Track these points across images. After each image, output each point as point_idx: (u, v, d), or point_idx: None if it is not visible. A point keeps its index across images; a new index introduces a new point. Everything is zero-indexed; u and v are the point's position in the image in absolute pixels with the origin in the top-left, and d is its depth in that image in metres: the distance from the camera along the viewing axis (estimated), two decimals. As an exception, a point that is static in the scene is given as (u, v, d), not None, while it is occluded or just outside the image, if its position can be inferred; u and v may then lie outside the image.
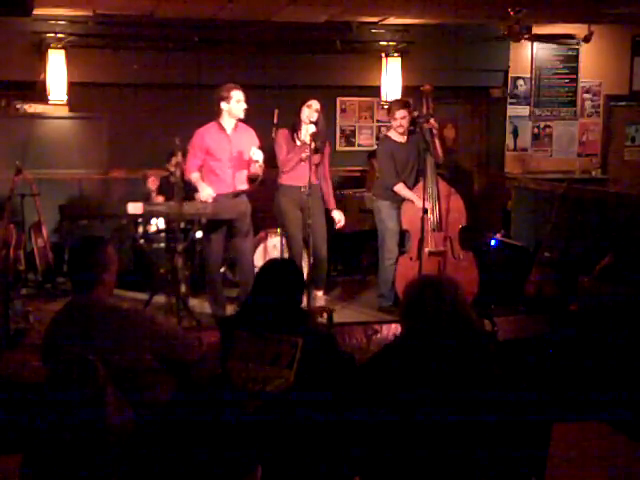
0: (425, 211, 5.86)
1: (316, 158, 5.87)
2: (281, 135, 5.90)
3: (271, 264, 3.54)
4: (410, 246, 6.04)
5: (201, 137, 5.73)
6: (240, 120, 5.76)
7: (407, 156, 6.13)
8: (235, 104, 5.67)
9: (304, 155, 5.70)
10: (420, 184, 6.00)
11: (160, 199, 6.53)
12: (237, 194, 5.81)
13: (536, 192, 7.51)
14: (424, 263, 5.83)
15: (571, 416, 4.15)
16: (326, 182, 6.08)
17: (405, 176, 6.12)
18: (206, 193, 5.61)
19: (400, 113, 6.09)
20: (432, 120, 6.03)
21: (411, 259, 5.96)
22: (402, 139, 6.15)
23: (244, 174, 5.85)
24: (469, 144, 8.87)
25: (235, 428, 3.02)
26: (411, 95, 6.41)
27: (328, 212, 6.10)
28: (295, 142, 5.88)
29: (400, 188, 6.04)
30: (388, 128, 6.36)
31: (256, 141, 5.80)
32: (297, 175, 5.80)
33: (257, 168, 5.70)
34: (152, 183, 6.64)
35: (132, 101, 7.69)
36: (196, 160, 5.73)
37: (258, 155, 5.63)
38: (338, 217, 6.09)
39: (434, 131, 6.03)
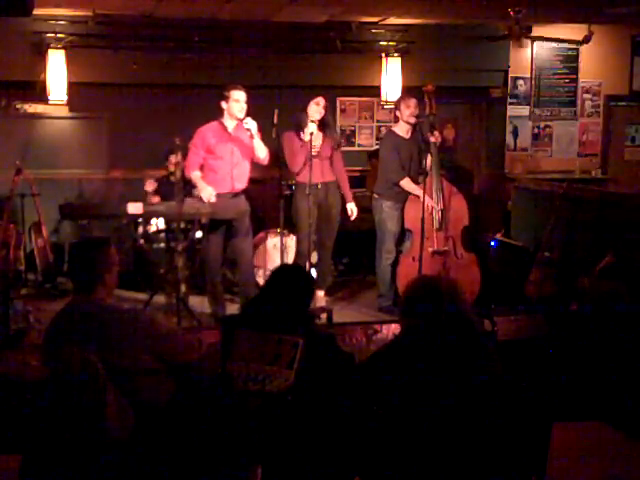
0: (437, 210, 5.92)
1: (326, 152, 5.91)
2: (286, 138, 5.97)
3: (283, 270, 3.55)
4: (412, 246, 6.03)
5: (203, 135, 5.75)
6: (241, 120, 5.76)
7: (410, 152, 6.13)
8: (233, 104, 5.67)
9: (314, 152, 5.74)
10: (422, 184, 5.99)
11: (156, 200, 6.53)
12: (236, 194, 5.81)
13: (536, 192, 7.50)
14: (427, 263, 5.82)
15: (571, 416, 4.15)
16: (342, 176, 6.18)
17: (406, 171, 6.11)
18: (207, 193, 5.62)
19: (412, 101, 6.06)
20: (436, 133, 6.03)
21: (413, 259, 5.93)
22: (406, 135, 6.14)
23: (245, 174, 5.86)
24: (469, 144, 8.86)
25: (235, 428, 3.02)
26: (414, 95, 6.39)
27: (343, 204, 6.23)
28: (301, 141, 5.89)
29: (406, 183, 6.04)
30: (394, 124, 6.33)
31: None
32: (312, 173, 5.81)
33: (260, 153, 5.71)
34: (149, 185, 6.63)
35: (132, 101, 7.68)
36: (197, 158, 5.74)
37: (251, 124, 5.64)
38: (350, 209, 6.20)
39: (438, 144, 6.04)
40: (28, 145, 7.48)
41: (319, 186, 5.92)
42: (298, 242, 6.13)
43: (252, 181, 6.08)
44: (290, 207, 6.13)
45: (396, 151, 6.08)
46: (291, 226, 6.24)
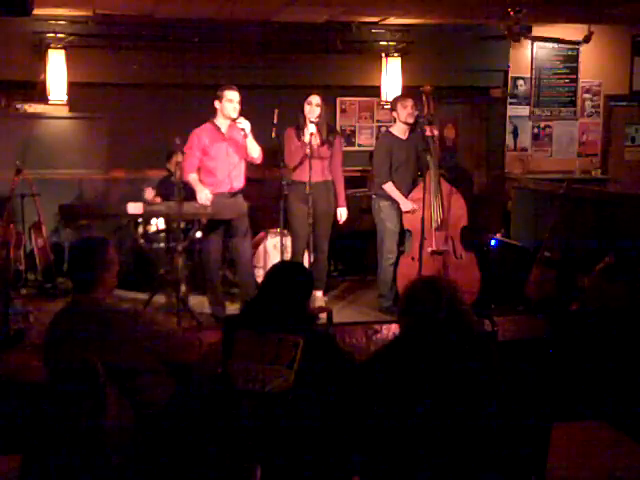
0: (414, 211, 5.91)
1: (324, 152, 5.89)
2: (287, 134, 5.97)
3: (281, 267, 3.55)
4: (411, 246, 6.03)
5: (197, 137, 5.76)
6: (234, 120, 5.74)
7: (406, 153, 6.12)
8: (226, 104, 5.68)
9: (307, 151, 5.72)
10: (421, 184, 5.99)
11: (157, 200, 6.53)
12: (234, 193, 5.82)
13: (536, 192, 7.51)
14: (426, 263, 5.81)
15: (571, 416, 4.15)
16: (337, 177, 6.11)
17: (402, 172, 6.10)
18: (204, 195, 5.62)
19: (409, 102, 6.06)
20: (433, 128, 6.02)
21: (412, 259, 5.92)
22: (403, 135, 6.14)
23: (241, 173, 5.88)
24: (469, 144, 8.86)
25: (235, 428, 3.03)
26: (411, 95, 6.40)
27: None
28: (301, 139, 5.90)
29: (389, 187, 6.04)
30: (392, 124, 6.32)
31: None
32: (306, 171, 5.80)
33: (253, 152, 5.70)
34: (149, 193, 6.62)
35: (132, 101, 7.68)
36: (194, 160, 5.74)
37: (245, 124, 5.64)
38: (340, 213, 6.14)
39: (435, 139, 6.02)
40: (28, 145, 7.48)
41: (315, 185, 5.78)
42: (292, 242, 6.10)
43: (252, 181, 6.07)
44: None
45: (388, 154, 6.08)
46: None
